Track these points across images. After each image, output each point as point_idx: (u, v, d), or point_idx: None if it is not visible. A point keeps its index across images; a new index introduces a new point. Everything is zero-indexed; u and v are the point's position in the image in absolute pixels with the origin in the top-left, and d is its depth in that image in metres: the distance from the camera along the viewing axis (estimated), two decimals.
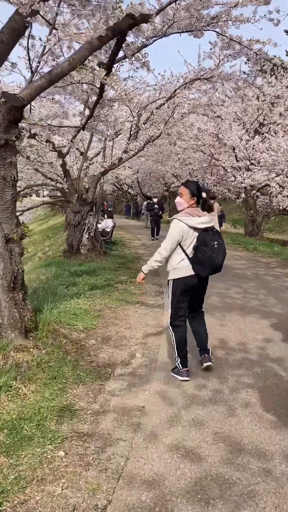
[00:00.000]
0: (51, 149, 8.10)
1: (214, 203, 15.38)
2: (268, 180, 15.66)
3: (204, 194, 3.96)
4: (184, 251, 3.76)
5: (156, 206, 18.82)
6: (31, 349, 3.87)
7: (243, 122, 17.27)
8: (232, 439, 2.89)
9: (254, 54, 6.36)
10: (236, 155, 16.87)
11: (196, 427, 3.03)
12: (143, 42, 5.77)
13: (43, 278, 8.75)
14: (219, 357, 4.41)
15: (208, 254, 3.65)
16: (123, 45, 5.36)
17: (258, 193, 17.55)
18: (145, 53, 6.13)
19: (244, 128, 17.00)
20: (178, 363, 3.89)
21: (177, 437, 2.89)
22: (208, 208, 4.12)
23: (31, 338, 4.10)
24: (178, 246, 3.77)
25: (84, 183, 12.04)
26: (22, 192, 12.51)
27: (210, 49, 6.62)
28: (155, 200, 20.34)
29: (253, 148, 16.25)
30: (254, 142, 16.03)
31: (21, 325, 4.02)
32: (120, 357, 4.30)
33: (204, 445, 2.81)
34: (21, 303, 4.11)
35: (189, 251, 3.76)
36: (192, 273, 3.76)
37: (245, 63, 7.46)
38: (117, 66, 6.45)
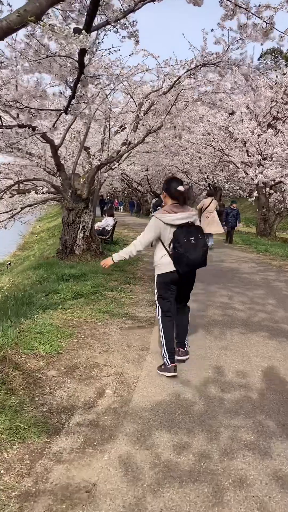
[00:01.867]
0: (34, 135, 7.17)
1: (212, 201, 14.42)
2: (282, 176, 14.60)
3: (181, 188, 3.73)
4: (165, 247, 3.78)
5: (163, 204, 17.68)
6: None
7: (255, 115, 16.19)
8: None
9: (264, 23, 5.36)
10: (247, 150, 15.80)
11: None
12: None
13: (26, 283, 7.85)
14: (212, 396, 3.42)
15: (180, 251, 3.65)
16: (104, 7, 4.42)
17: (271, 191, 16.49)
18: (133, 21, 5.18)
19: (256, 121, 15.92)
20: (166, 359, 3.81)
21: None
22: (183, 201, 3.78)
23: None
24: (160, 242, 3.81)
25: (83, 179, 11.14)
26: (13, 187, 11.67)
27: (217, 27, 5.63)
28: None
29: (265, 142, 15.17)
30: (267, 136, 14.96)
31: None
32: (83, 396, 3.35)
33: None
34: None
35: (170, 247, 3.76)
36: (173, 269, 3.75)
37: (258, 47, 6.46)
38: (101, 36, 5.48)
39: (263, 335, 5.04)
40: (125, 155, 15.35)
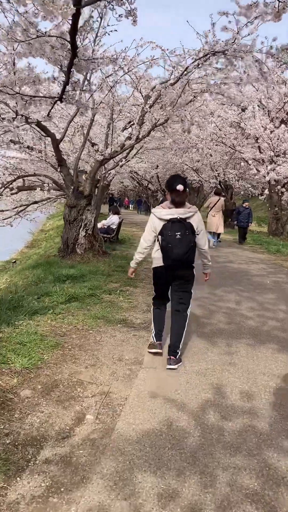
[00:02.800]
0: (28, 124, 6.72)
1: (219, 200, 13.90)
2: None
3: (180, 187, 3.72)
4: (159, 241, 3.88)
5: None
6: None
7: (268, 111, 15.56)
8: None
9: (277, 1, 4.83)
10: (259, 146, 15.19)
11: None
12: None
13: (20, 284, 7.40)
14: (210, 425, 2.91)
15: (163, 244, 3.79)
16: None
17: (283, 189, 15.86)
18: None
19: (269, 117, 15.30)
20: (152, 336, 4.22)
21: None
22: (182, 198, 3.80)
23: None
24: (158, 237, 3.88)
25: (85, 175, 10.68)
26: (14, 183, 11.25)
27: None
28: None
29: (278, 139, 14.55)
30: (280, 132, 14.34)
31: None
32: (59, 423, 2.86)
33: None
34: None
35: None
36: (162, 263, 3.88)
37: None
38: (96, 15, 5.01)
39: (272, 348, 4.50)
40: (133, 152, 14.89)
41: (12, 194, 11.90)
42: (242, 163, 16.87)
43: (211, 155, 19.51)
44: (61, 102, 6.00)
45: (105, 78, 8.52)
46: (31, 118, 6.57)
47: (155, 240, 3.93)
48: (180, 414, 3.03)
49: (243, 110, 15.25)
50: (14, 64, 5.86)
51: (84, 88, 5.83)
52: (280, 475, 2.41)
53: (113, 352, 4.17)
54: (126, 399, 3.23)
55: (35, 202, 14.18)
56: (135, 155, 16.27)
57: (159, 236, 3.82)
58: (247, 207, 14.61)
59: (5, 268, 16.50)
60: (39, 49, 5.04)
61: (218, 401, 3.25)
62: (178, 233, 3.71)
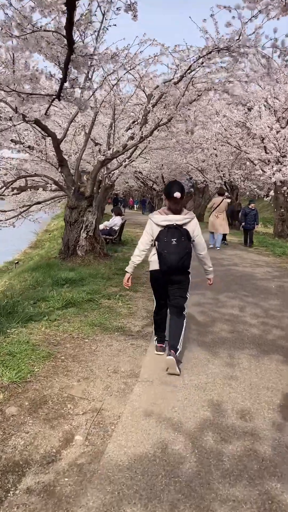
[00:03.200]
0: (25, 122, 6.53)
1: (222, 201, 13.68)
2: None
3: (177, 194, 3.76)
4: (155, 246, 3.95)
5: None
6: None
7: (274, 110, 15.29)
8: None
9: None
10: (265, 146, 14.92)
11: None
12: None
13: (18, 288, 7.20)
14: (208, 448, 2.68)
15: (159, 250, 3.85)
16: None
17: None
18: None
19: (275, 116, 15.02)
20: (154, 340, 4.35)
21: None
22: (178, 205, 3.88)
23: None
24: (155, 242, 3.94)
25: (86, 176, 10.50)
26: (15, 183, 11.07)
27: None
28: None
29: (284, 139, 14.28)
30: (286, 132, 14.08)
31: None
32: (45, 445, 2.65)
33: None
34: None
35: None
36: (158, 267, 3.94)
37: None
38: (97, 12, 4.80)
39: (276, 359, 4.27)
40: (137, 152, 14.67)
41: (13, 194, 11.74)
42: (248, 163, 16.59)
43: (216, 155, 19.27)
44: (59, 100, 5.81)
45: (107, 76, 8.31)
46: (28, 117, 6.35)
47: (152, 244, 4.00)
48: (176, 435, 2.81)
49: (249, 109, 15.00)
50: (13, 62, 5.68)
51: (82, 86, 5.59)
52: (284, 509, 2.18)
53: (109, 364, 3.95)
54: (119, 417, 3.01)
55: (38, 203, 14.01)
56: (139, 155, 16.07)
57: (156, 242, 3.90)
58: (253, 208, 14.26)
59: (8, 268, 16.36)
60: (36, 45, 4.85)
61: (217, 420, 3.03)
62: (174, 239, 3.79)
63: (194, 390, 3.50)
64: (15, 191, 11.57)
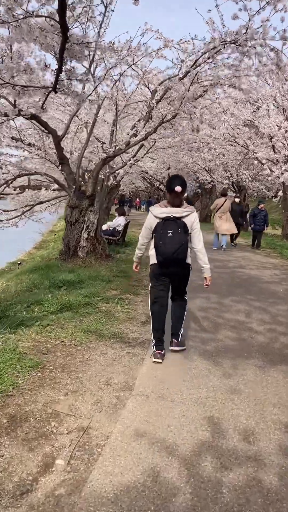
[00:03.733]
0: (20, 116, 6.26)
1: (226, 201, 13.41)
2: None
3: (178, 188, 3.79)
4: (153, 238, 3.96)
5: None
6: None
7: (283, 109, 14.92)
8: None
9: None
10: (273, 146, 14.56)
11: None
12: None
13: (14, 290, 6.91)
14: (205, 477, 2.36)
15: (155, 241, 3.87)
16: None
17: None
18: None
19: (284, 115, 14.65)
20: (152, 345, 4.10)
21: None
22: (178, 199, 3.91)
23: None
24: (153, 234, 3.97)
25: (87, 174, 10.22)
26: (16, 182, 10.82)
27: None
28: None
29: None
30: None
31: None
32: (20, 472, 2.34)
33: None
34: None
35: None
36: (156, 261, 3.94)
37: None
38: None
39: (284, 371, 3.93)
40: (142, 151, 14.35)
41: (17, 194, 11.48)
42: (256, 163, 16.23)
43: (223, 155, 18.93)
44: (55, 92, 5.52)
45: (109, 69, 8.01)
46: (23, 110, 6.07)
47: (152, 237, 4.02)
48: (170, 460, 2.50)
49: (258, 108, 14.66)
50: (11, 51, 5.37)
51: (80, 78, 5.28)
52: None
53: (101, 374, 3.64)
54: (107, 437, 2.70)
55: (41, 203, 13.74)
56: (145, 154, 15.76)
57: (153, 234, 3.94)
58: (262, 209, 13.74)
59: (10, 269, 16.12)
60: (29, 33, 4.55)
61: (217, 442, 2.70)
62: (170, 231, 3.79)
63: (193, 405, 3.17)
64: (17, 190, 11.31)
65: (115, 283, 7.27)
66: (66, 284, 6.81)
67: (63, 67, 4.96)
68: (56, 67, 4.82)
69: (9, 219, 12.28)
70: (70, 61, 5.09)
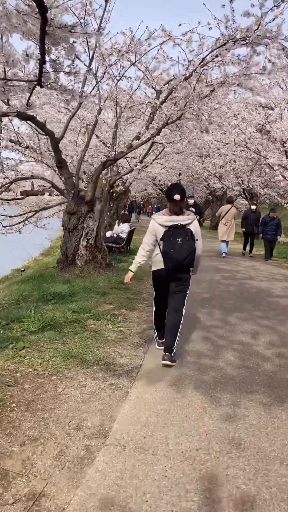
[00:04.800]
0: (6, 114, 5.73)
1: (231, 208, 12.92)
2: None
3: (177, 196, 3.96)
4: (159, 246, 4.06)
5: (192, 209, 15.12)
6: None
7: None
8: None
9: None
10: (286, 151, 13.89)
11: None
12: None
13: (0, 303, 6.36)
14: None
15: (165, 249, 3.95)
16: None
17: None
18: None
19: None
20: (155, 336, 4.61)
21: None
22: (179, 207, 4.04)
23: None
24: (157, 242, 4.10)
25: (86, 178, 9.70)
26: (19, 187, 10.38)
27: None
28: (191, 201, 16.20)
29: None
30: None
31: None
32: None
33: None
34: None
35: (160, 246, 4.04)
36: (162, 266, 4.03)
37: None
38: None
39: None
40: (150, 157, 13.79)
41: (18, 199, 11.01)
42: (267, 169, 15.56)
43: (234, 161, 18.31)
44: (41, 87, 4.97)
45: (108, 66, 7.48)
46: (11, 106, 5.54)
47: (155, 244, 4.12)
48: None
49: (271, 108, 14.04)
50: None
51: (69, 70, 4.72)
52: None
53: (73, 414, 3.03)
54: (63, 510, 2.09)
55: (44, 208, 13.27)
56: (154, 160, 15.23)
57: (161, 242, 4.00)
58: (274, 217, 12.82)
59: (14, 276, 15.65)
60: (4, 16, 4.02)
61: None
62: (180, 238, 3.93)
63: (180, 461, 2.55)
64: (19, 195, 10.83)
65: (111, 296, 6.68)
66: (56, 297, 6.24)
67: (46, 56, 4.43)
68: (32, 55, 4.24)
69: (12, 225, 11.83)
70: (65, 56, 4.56)
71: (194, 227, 4.08)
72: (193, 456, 2.61)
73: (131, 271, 4.33)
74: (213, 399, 3.39)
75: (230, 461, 2.58)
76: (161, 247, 4.02)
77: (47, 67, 4.67)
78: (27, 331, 4.64)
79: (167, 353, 4.05)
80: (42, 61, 4.43)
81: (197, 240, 4.08)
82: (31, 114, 7.34)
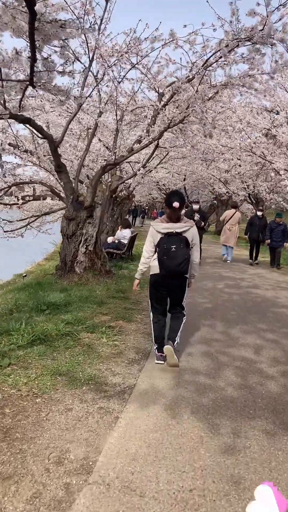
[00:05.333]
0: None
1: (235, 213, 12.67)
2: None
3: (176, 204, 3.98)
4: (156, 252, 4.15)
5: (196, 214, 14.55)
6: None
7: None
8: None
9: None
10: None
11: None
12: None
13: None
14: None
15: (159, 255, 4.07)
16: None
17: None
18: None
19: None
20: (154, 349, 4.41)
21: None
22: (176, 214, 4.09)
23: None
24: (156, 248, 4.17)
25: (85, 183, 9.44)
26: (23, 191, 10.18)
27: None
28: (195, 206, 15.63)
29: None
30: None
31: None
32: None
33: None
34: None
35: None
36: (158, 271, 4.13)
37: None
38: None
39: None
40: (154, 162, 13.52)
41: (19, 204, 10.79)
42: (273, 174, 15.24)
43: (240, 166, 18.00)
44: (33, 87, 4.72)
45: (107, 67, 7.23)
46: (7, 109, 5.28)
47: (155, 250, 4.19)
48: None
49: (277, 113, 13.75)
50: None
51: (63, 70, 4.47)
52: None
53: (55, 445, 2.74)
54: None
55: (47, 213, 13.06)
56: (158, 164, 14.98)
57: (156, 248, 4.13)
58: (280, 223, 12.51)
59: (15, 282, 15.40)
60: None
61: None
62: (174, 246, 4.00)
63: (170, 504, 2.25)
64: (21, 200, 10.60)
65: (108, 305, 6.39)
66: (50, 307, 5.96)
67: (37, 54, 4.17)
68: (21, 52, 3.99)
69: (13, 230, 11.65)
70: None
71: (191, 234, 4.12)
72: (186, 499, 2.31)
73: (136, 278, 4.47)
74: (211, 427, 3.09)
75: (228, 506, 2.28)
76: (157, 253, 4.13)
77: (39, 66, 4.44)
78: (16, 345, 4.35)
79: (169, 341, 4.18)
80: (33, 60, 4.18)
81: (192, 247, 4.15)
82: (28, 116, 7.13)
